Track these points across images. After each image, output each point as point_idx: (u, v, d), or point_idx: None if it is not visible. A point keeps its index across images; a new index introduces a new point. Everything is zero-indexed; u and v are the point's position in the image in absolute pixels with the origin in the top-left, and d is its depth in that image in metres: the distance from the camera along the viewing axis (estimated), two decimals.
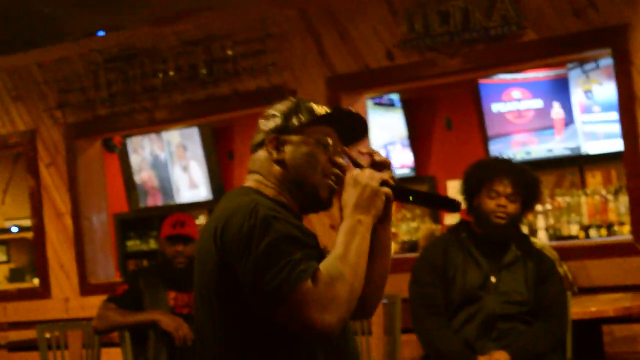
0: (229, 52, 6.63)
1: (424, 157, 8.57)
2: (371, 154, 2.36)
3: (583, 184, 7.78)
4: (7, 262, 10.91)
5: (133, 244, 9.75)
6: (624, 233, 6.82)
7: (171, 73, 6.85)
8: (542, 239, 6.82)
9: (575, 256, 5.59)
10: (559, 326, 4.17)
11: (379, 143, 8.26)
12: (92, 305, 6.08)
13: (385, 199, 2.31)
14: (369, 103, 7.65)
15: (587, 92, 7.59)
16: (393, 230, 7.86)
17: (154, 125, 7.27)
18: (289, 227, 2.20)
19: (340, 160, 2.37)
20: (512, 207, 4.09)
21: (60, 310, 7.38)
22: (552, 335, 4.13)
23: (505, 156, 4.27)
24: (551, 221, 7.20)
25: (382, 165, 2.34)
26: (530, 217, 6.89)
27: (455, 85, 7.65)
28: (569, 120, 7.72)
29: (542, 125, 7.84)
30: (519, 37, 5.69)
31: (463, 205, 4.12)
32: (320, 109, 2.39)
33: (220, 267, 2.23)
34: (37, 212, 7.56)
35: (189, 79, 6.80)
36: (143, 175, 9.61)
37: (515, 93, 7.91)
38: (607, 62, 7.05)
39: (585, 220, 7.19)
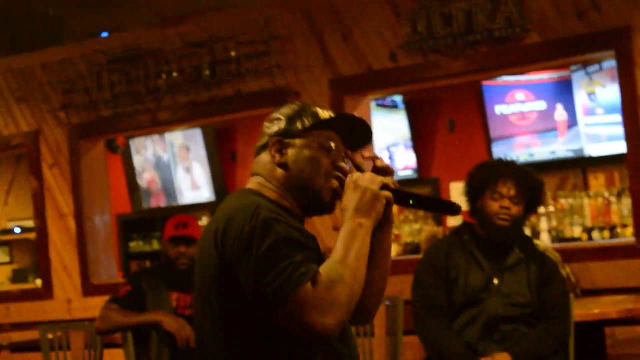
0: (233, 54, 6.63)
1: (427, 158, 8.56)
2: (373, 159, 2.37)
3: (586, 186, 7.78)
4: (10, 262, 10.91)
5: (136, 245, 9.76)
6: (627, 235, 6.82)
7: (174, 74, 6.86)
8: (544, 240, 6.81)
9: (578, 258, 5.58)
10: (562, 328, 4.17)
11: (382, 144, 8.26)
12: (95, 306, 6.09)
13: (386, 202, 2.31)
14: (372, 104, 7.65)
15: (590, 94, 7.59)
16: (395, 231, 7.89)
17: (157, 126, 7.27)
18: (290, 229, 2.20)
19: (343, 164, 2.38)
20: (515, 209, 4.09)
21: (63, 311, 7.38)
22: (555, 337, 4.13)
23: (508, 158, 4.27)
24: (554, 223, 7.20)
25: (384, 171, 2.35)
26: (532, 219, 6.88)
27: (458, 87, 7.65)
28: (572, 122, 7.71)
29: (545, 127, 7.83)
30: (522, 39, 5.69)
31: (464, 208, 4.12)
32: (325, 114, 2.40)
33: (221, 269, 2.23)
34: (39, 212, 7.56)
35: (192, 80, 6.80)
36: (146, 176, 9.62)
37: (519, 95, 7.91)
38: (610, 64, 7.04)
39: (588, 222, 7.18)
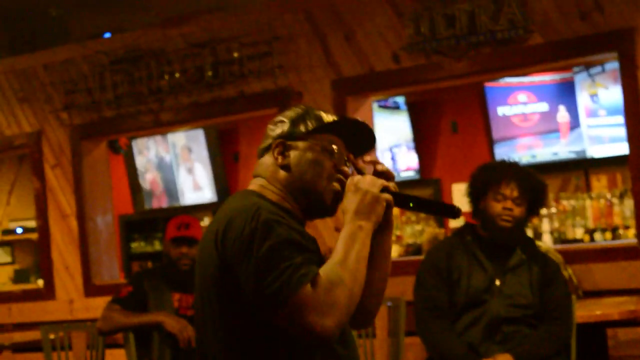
0: (235, 54, 6.63)
1: (429, 160, 8.56)
2: (374, 163, 2.37)
3: (588, 188, 7.77)
4: (12, 263, 10.92)
5: (138, 246, 9.76)
6: (629, 237, 6.82)
7: (177, 75, 6.86)
8: (547, 242, 6.81)
9: (580, 259, 5.58)
10: (564, 329, 4.17)
11: (384, 146, 8.26)
12: (97, 306, 6.10)
13: (386, 205, 2.32)
14: (375, 105, 7.65)
15: (593, 96, 7.59)
16: (397, 233, 7.89)
17: (160, 127, 7.27)
18: (290, 231, 2.21)
19: (345, 168, 2.38)
20: (518, 211, 4.09)
21: (65, 311, 7.38)
22: (557, 338, 4.12)
23: (511, 159, 4.26)
24: (556, 224, 7.20)
25: (385, 175, 2.36)
26: (535, 220, 6.88)
27: (461, 89, 7.65)
28: (574, 123, 7.71)
29: (548, 128, 7.83)
30: (525, 41, 5.69)
31: (467, 210, 4.13)
32: (329, 117, 2.41)
33: (221, 270, 2.24)
34: (42, 213, 7.56)
35: (194, 81, 6.80)
36: (148, 177, 9.62)
37: (521, 96, 7.91)
38: (613, 65, 7.04)
39: (590, 224, 7.18)
